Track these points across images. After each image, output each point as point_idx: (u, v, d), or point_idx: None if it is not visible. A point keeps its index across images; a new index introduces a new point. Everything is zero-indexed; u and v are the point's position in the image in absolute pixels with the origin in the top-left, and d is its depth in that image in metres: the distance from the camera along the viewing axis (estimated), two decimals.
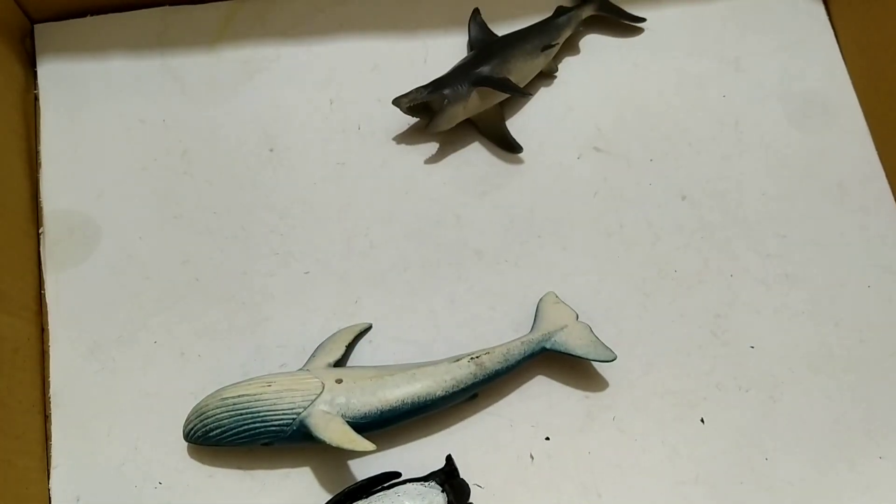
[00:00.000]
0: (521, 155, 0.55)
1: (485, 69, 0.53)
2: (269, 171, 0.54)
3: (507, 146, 0.55)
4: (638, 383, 0.49)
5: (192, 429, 0.45)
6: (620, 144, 0.56)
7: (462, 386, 0.46)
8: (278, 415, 0.44)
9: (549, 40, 0.56)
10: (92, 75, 0.56)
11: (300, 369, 0.47)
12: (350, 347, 0.49)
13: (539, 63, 0.56)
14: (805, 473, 0.47)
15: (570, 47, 0.59)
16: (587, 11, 0.58)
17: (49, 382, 0.48)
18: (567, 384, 0.49)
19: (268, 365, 0.49)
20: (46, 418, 0.48)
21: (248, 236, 0.52)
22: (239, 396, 0.44)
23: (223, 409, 0.44)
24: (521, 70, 0.55)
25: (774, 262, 0.52)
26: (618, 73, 0.58)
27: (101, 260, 0.51)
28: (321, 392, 0.44)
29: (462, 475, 0.44)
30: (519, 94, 0.54)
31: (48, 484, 0.46)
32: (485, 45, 0.56)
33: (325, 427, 0.43)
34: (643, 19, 0.59)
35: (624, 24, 0.59)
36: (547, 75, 0.58)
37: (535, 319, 0.49)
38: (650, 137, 0.56)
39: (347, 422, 0.44)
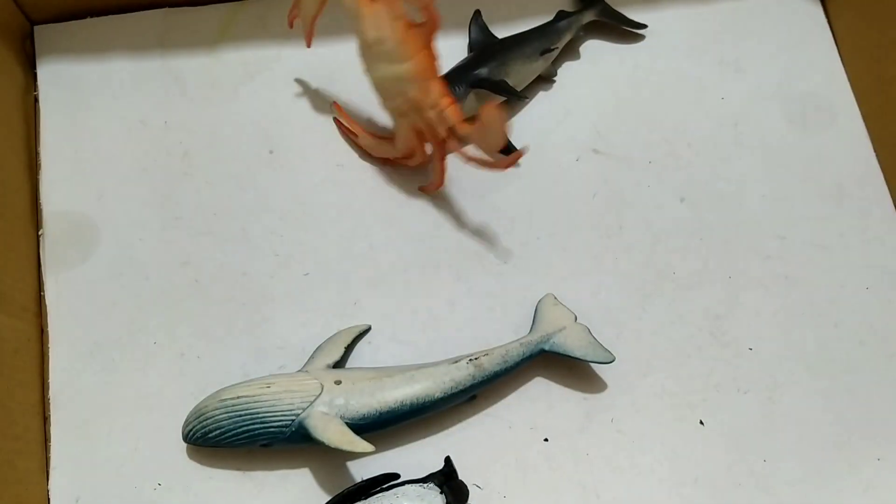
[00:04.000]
0: None
1: (483, 71, 0.53)
2: (269, 172, 0.54)
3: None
4: (637, 385, 0.49)
5: (191, 430, 0.45)
6: (619, 146, 0.56)
7: (461, 387, 0.46)
8: (277, 416, 0.44)
9: (549, 44, 0.56)
10: (92, 77, 0.56)
11: (299, 371, 0.47)
12: (349, 349, 0.49)
13: (538, 67, 0.56)
14: (804, 475, 0.47)
15: (571, 52, 0.59)
16: (588, 16, 0.58)
17: (49, 384, 0.48)
18: (566, 386, 0.49)
19: (267, 366, 0.49)
20: (46, 419, 0.48)
21: (248, 238, 0.52)
22: (238, 398, 0.44)
23: (222, 410, 0.44)
24: (519, 73, 0.55)
25: (773, 263, 0.53)
26: (617, 74, 0.58)
27: (100, 261, 0.51)
28: (320, 393, 0.44)
29: (461, 477, 0.44)
30: (515, 97, 0.54)
31: (47, 485, 0.46)
32: (484, 47, 0.56)
33: (323, 428, 0.43)
34: (644, 26, 0.59)
35: (624, 29, 0.59)
36: (546, 79, 0.58)
37: (533, 321, 0.49)
38: (649, 139, 0.56)
39: (346, 423, 0.44)
